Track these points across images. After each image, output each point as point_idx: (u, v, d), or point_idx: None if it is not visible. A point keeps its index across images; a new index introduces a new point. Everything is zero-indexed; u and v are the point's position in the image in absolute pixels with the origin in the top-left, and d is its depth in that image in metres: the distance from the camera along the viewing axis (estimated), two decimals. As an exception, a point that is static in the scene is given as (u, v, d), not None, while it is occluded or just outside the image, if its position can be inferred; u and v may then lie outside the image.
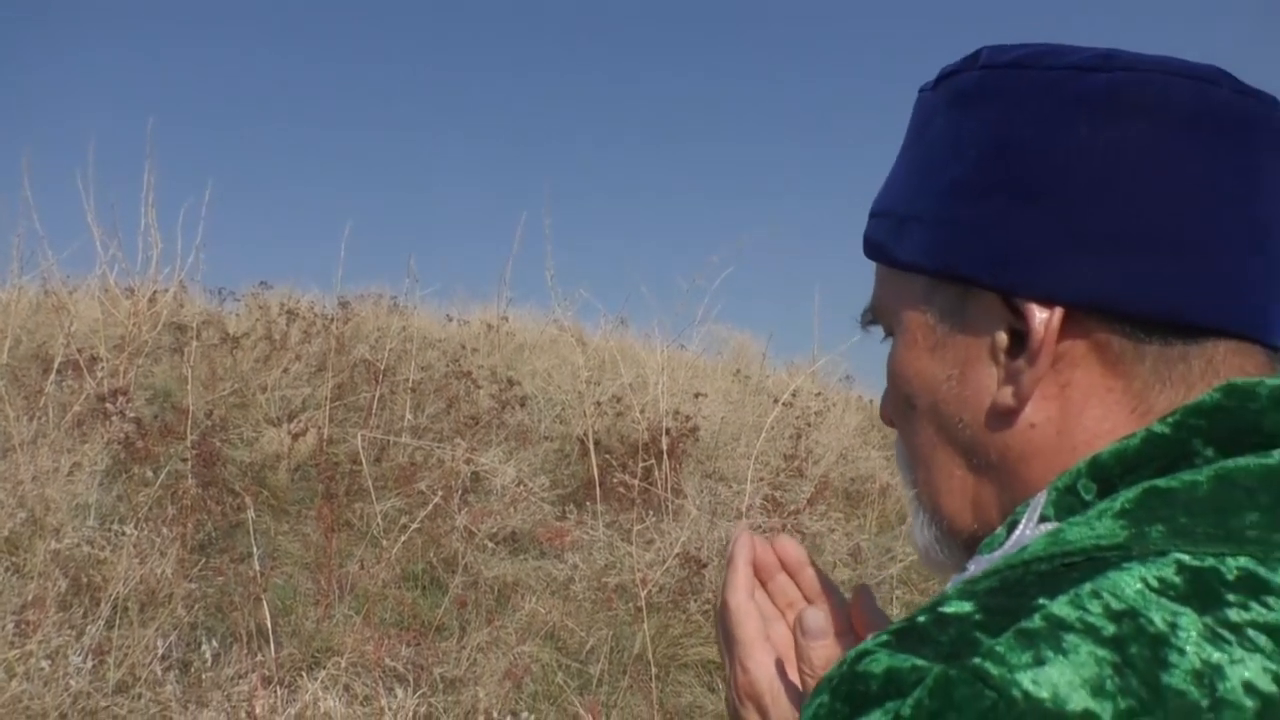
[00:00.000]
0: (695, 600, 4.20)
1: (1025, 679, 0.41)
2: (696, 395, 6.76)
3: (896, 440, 0.71)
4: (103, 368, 5.74)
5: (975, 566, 0.56)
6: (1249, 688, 0.42)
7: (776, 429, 6.16)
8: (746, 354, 10.83)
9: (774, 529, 4.78)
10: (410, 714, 2.98)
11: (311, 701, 3.03)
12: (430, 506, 4.32)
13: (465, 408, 6.32)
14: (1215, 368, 0.56)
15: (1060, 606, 0.44)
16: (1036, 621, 0.44)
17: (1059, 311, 0.56)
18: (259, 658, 3.20)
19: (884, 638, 0.47)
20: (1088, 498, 0.54)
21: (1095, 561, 0.48)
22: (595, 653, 3.77)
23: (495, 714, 3.21)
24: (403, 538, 4.00)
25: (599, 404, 6.17)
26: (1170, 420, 0.54)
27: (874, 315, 0.70)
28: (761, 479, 5.25)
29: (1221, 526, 0.48)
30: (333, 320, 7.60)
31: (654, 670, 3.48)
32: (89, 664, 2.89)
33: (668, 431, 5.43)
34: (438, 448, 5.45)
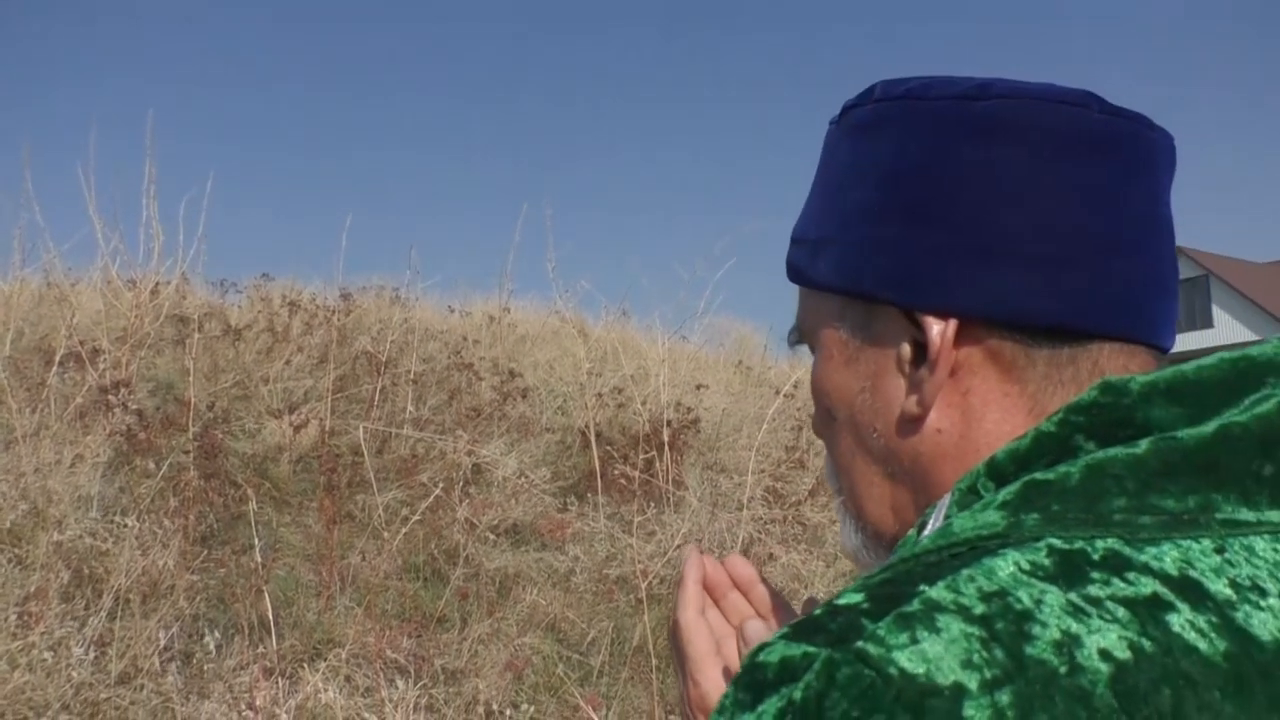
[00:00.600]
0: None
1: (901, 657, 0.44)
2: (698, 387, 6.76)
3: (825, 451, 0.75)
4: (105, 360, 5.75)
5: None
6: (1104, 654, 0.45)
7: (778, 420, 6.16)
8: (748, 345, 10.84)
9: (775, 521, 4.79)
10: (411, 706, 2.99)
11: (313, 693, 3.04)
12: (431, 499, 4.32)
13: (467, 399, 6.32)
14: (1101, 368, 0.61)
15: (937, 591, 0.48)
16: (915, 605, 0.47)
17: (953, 323, 0.61)
18: (260, 649, 3.21)
19: (784, 631, 0.50)
20: (986, 495, 0.57)
21: (977, 550, 0.51)
22: (596, 644, 3.78)
23: (496, 706, 3.22)
24: (404, 530, 4.00)
25: (600, 395, 6.17)
26: (1055, 419, 0.57)
27: (799, 335, 0.75)
28: (763, 470, 5.25)
29: (1091, 511, 0.52)
30: (334, 312, 7.61)
31: (654, 662, 3.49)
32: (91, 655, 2.90)
33: (669, 423, 5.43)
34: (439, 440, 5.45)
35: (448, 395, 6.38)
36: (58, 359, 5.46)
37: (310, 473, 5.18)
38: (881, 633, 0.46)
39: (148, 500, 4.05)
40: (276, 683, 3.06)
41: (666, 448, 5.28)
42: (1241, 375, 0.57)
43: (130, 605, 3.33)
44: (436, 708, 3.19)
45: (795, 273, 0.73)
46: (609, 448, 5.33)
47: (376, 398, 6.04)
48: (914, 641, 0.45)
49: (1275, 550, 0.52)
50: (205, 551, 3.93)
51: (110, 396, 5.06)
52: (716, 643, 0.79)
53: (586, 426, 5.39)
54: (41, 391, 5.14)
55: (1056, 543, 0.50)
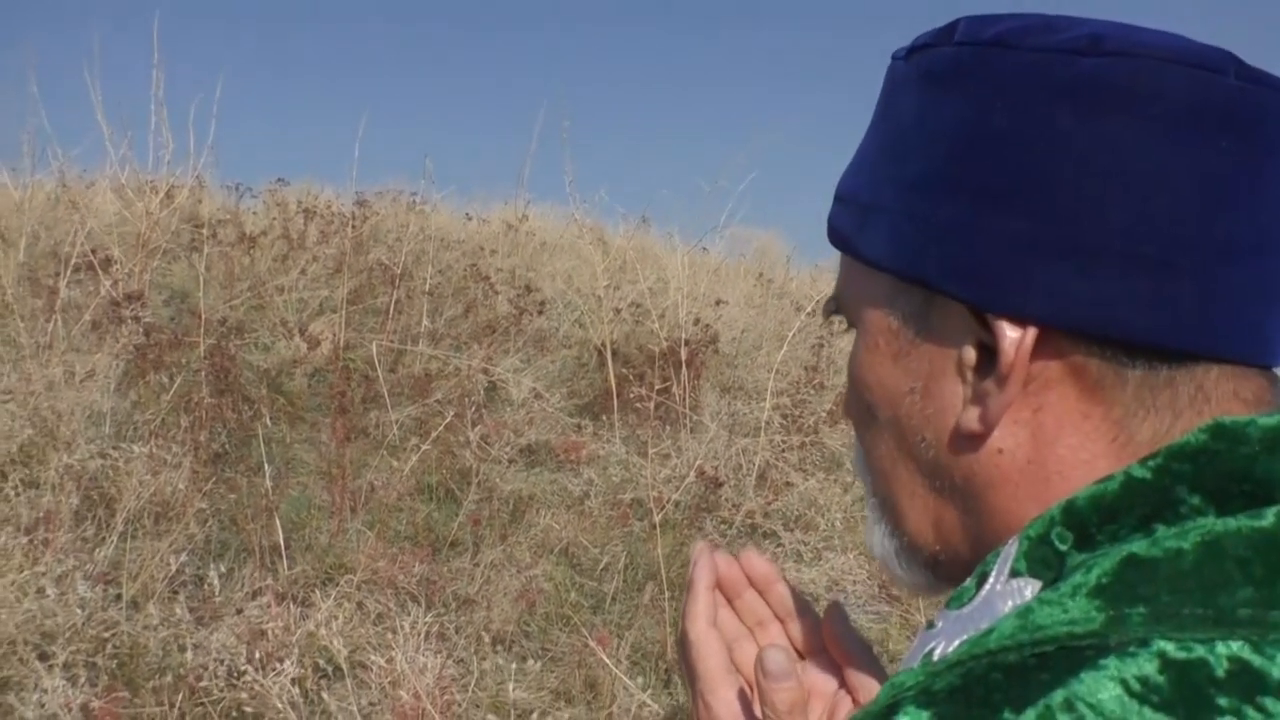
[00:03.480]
0: (711, 518, 4.18)
1: None
2: (717, 302, 6.65)
3: (854, 443, 0.65)
4: (117, 269, 5.68)
5: (943, 624, 0.51)
6: None
7: (798, 338, 6.05)
8: (770, 255, 10.66)
9: (792, 447, 4.73)
10: (423, 635, 2.98)
11: (325, 620, 3.04)
12: (446, 421, 4.28)
13: (483, 313, 6.25)
14: (1206, 393, 0.50)
15: None
16: None
17: (1032, 331, 0.50)
18: (271, 578, 3.20)
19: None
20: (1063, 548, 0.48)
21: (1068, 654, 0.42)
22: (609, 570, 3.77)
23: (508, 635, 3.22)
24: (416, 455, 3.97)
25: (618, 310, 6.08)
26: (1151, 464, 0.48)
27: (836, 306, 0.64)
28: (781, 392, 5.17)
29: (1210, 605, 0.42)
30: (351, 219, 7.50)
31: (668, 591, 3.47)
32: (101, 583, 2.90)
33: (686, 342, 5.35)
34: (454, 357, 5.40)
35: (464, 308, 6.31)
36: (70, 267, 5.40)
37: (324, 387, 5.15)
38: None
39: (159, 419, 4.02)
40: (288, 609, 3.06)
41: (684, 367, 5.20)
42: None
43: (142, 528, 3.32)
44: (448, 636, 3.20)
45: (839, 238, 0.61)
46: (625, 368, 5.26)
47: (392, 310, 5.97)
48: None
49: None
50: (217, 472, 3.91)
51: (123, 309, 5.01)
52: (729, 653, 0.71)
53: (603, 344, 5.31)
54: (54, 302, 5.10)
55: (1169, 649, 0.41)
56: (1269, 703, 0.39)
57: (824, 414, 5.22)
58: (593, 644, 2.72)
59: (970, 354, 0.53)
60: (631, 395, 4.97)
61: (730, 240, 8.37)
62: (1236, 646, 0.41)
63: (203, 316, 4.77)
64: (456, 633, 3.21)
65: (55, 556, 2.83)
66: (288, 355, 5.34)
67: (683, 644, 0.73)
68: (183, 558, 3.13)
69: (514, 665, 2.95)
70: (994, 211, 0.51)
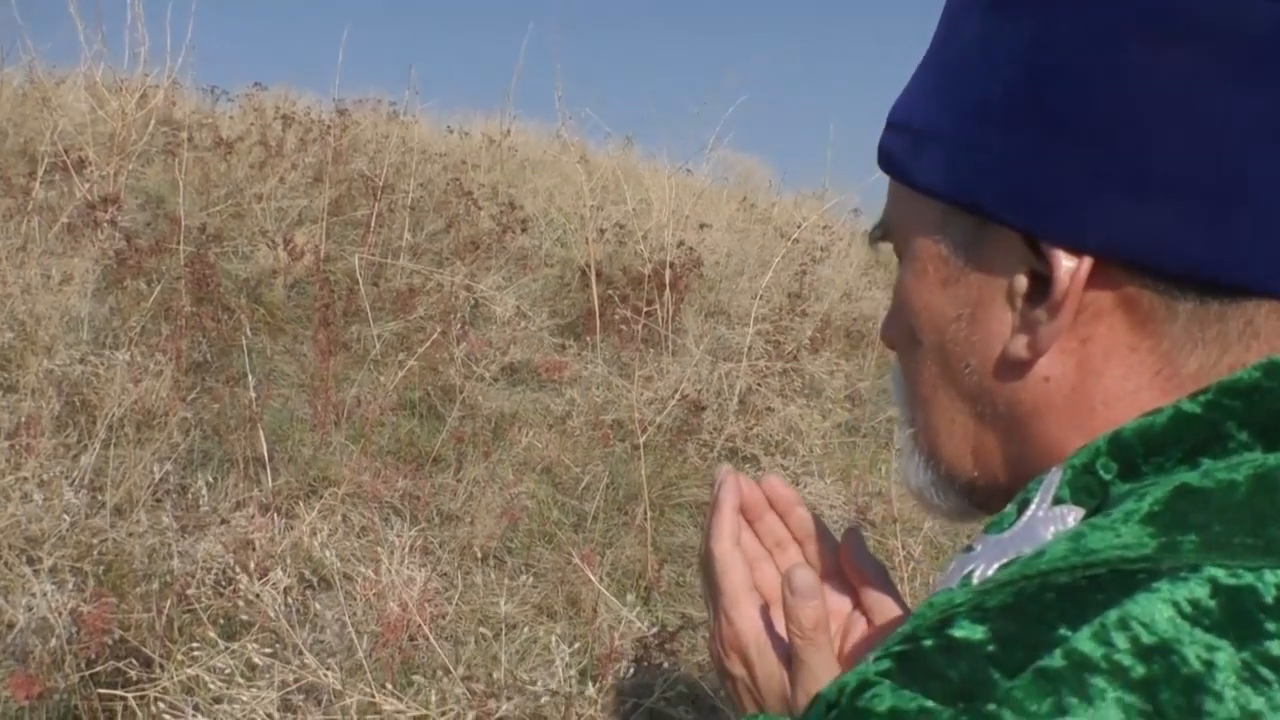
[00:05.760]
0: (692, 441, 4.22)
1: None
2: (701, 226, 6.62)
3: (894, 370, 0.66)
4: (92, 170, 5.55)
5: (982, 548, 0.52)
6: None
7: (782, 265, 6.05)
8: (754, 180, 10.59)
9: (774, 373, 4.76)
10: (407, 548, 3.01)
11: (310, 532, 3.06)
12: (430, 339, 4.26)
13: (465, 229, 6.18)
14: (1255, 329, 0.51)
15: (1084, 641, 0.40)
16: (1058, 659, 0.40)
17: (1088, 261, 0.51)
18: (256, 488, 3.21)
19: (887, 664, 0.43)
20: (1107, 477, 0.50)
21: (1121, 577, 0.43)
22: (591, 490, 3.80)
23: (491, 551, 3.25)
24: (400, 373, 3.96)
25: (602, 231, 6.03)
26: (1202, 399, 0.49)
27: (884, 232, 0.64)
28: (763, 318, 5.18)
29: (1261, 535, 0.44)
30: (330, 128, 7.35)
31: (649, 512, 3.51)
32: (85, 489, 2.89)
33: (670, 265, 5.33)
34: (437, 272, 5.35)
35: (445, 223, 6.24)
36: (42, 169, 5.27)
37: (305, 299, 5.10)
38: (1019, 695, 0.39)
39: (139, 327, 3.97)
40: (272, 520, 3.07)
41: (667, 290, 5.19)
42: None
43: (124, 435, 3.30)
44: (432, 550, 3.23)
45: (890, 164, 0.61)
46: (609, 289, 5.25)
47: (373, 223, 5.90)
48: (1060, 712, 0.38)
49: None
50: (199, 381, 3.89)
51: (99, 212, 4.91)
52: (751, 572, 0.74)
53: (586, 264, 5.28)
54: (27, 203, 4.98)
55: (1220, 575, 0.42)
56: None
57: (806, 340, 5.24)
58: (577, 560, 2.76)
59: (1022, 282, 0.53)
60: (614, 316, 4.96)
61: (716, 164, 8.30)
62: None
63: (181, 223, 4.68)
64: (440, 547, 3.24)
65: (39, 462, 2.81)
66: (267, 265, 5.27)
67: (706, 561, 0.75)
68: (167, 466, 3.12)
69: (500, 580, 2.99)
70: (1054, 140, 0.51)
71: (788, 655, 0.68)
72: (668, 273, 5.23)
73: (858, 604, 0.75)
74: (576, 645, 2.69)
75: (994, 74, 0.53)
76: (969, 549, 0.53)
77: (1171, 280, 0.50)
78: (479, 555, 3.24)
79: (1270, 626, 0.41)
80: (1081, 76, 0.50)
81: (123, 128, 5.94)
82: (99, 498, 2.88)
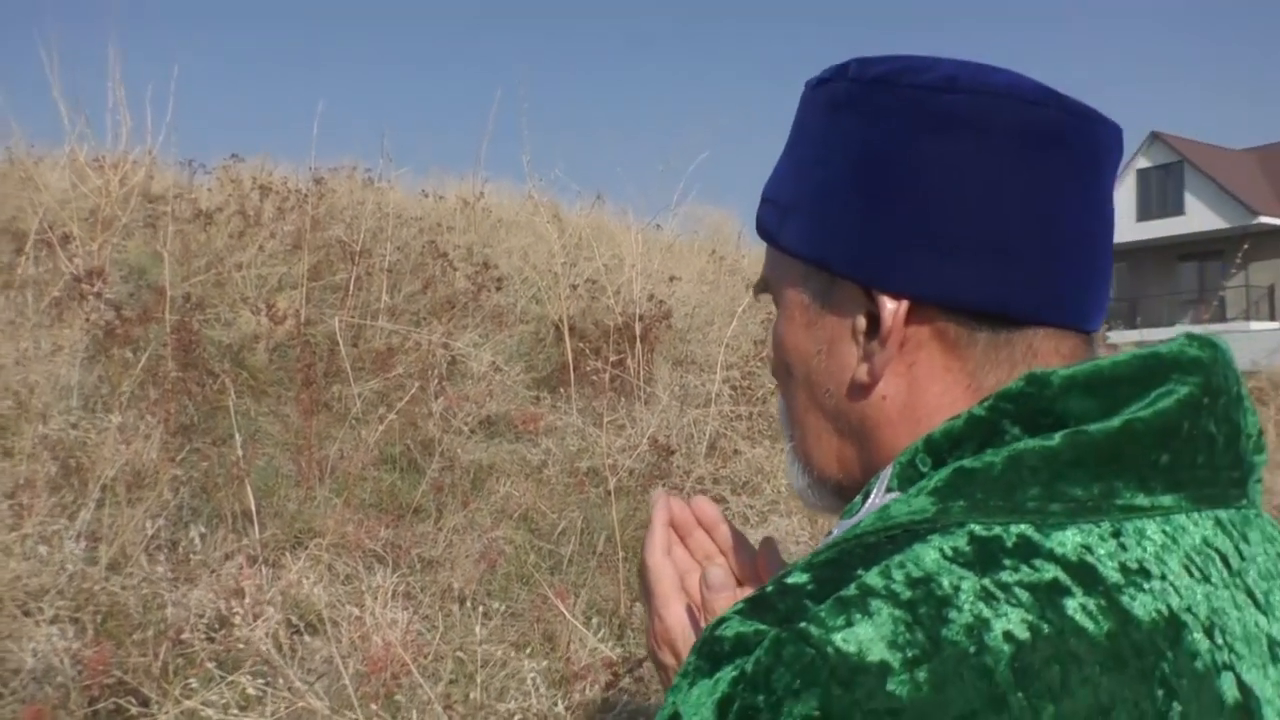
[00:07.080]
0: (663, 485, 4.39)
1: (837, 638, 0.51)
2: (671, 279, 6.84)
3: (778, 398, 0.83)
4: (76, 245, 5.73)
5: (838, 530, 0.67)
6: (1008, 636, 0.51)
7: (748, 314, 6.27)
8: (723, 232, 10.86)
9: (740, 417, 4.95)
10: (390, 593, 3.15)
11: (296, 580, 3.20)
12: (409, 395, 4.43)
13: (441, 289, 6.38)
14: (1034, 351, 0.67)
15: (872, 576, 0.54)
16: (852, 590, 0.54)
17: (905, 304, 0.66)
18: (244, 539, 3.35)
19: (740, 606, 0.58)
20: (924, 469, 0.64)
21: (909, 534, 0.58)
22: (566, 534, 3.96)
23: (470, 594, 3.40)
24: (381, 427, 4.12)
25: (575, 287, 6.24)
26: (985, 405, 0.63)
27: (764, 286, 0.81)
28: (731, 365, 5.39)
29: (1009, 499, 0.58)
30: (307, 196, 7.54)
31: (621, 553, 3.67)
32: (82, 545, 3.03)
33: (641, 318, 5.53)
34: (414, 331, 5.54)
35: (422, 284, 6.43)
36: (29, 244, 5.44)
37: (287, 361, 5.26)
38: (822, 614, 0.53)
39: (128, 392, 4.13)
40: (260, 570, 3.21)
41: (638, 341, 5.39)
42: (1150, 371, 0.63)
43: (117, 496, 3.45)
44: (414, 595, 3.37)
45: (765, 232, 0.78)
46: (582, 342, 5.44)
47: (351, 286, 6.08)
48: (849, 624, 0.52)
49: (1164, 533, 0.60)
50: (187, 442, 4.03)
51: (85, 286, 5.08)
52: (681, 579, 0.87)
53: (560, 320, 5.48)
54: (14, 279, 5.15)
55: (977, 529, 0.57)
56: (1038, 563, 0.56)
57: (771, 386, 5.44)
58: (552, 598, 2.91)
59: (861, 322, 0.69)
60: (588, 369, 5.15)
61: (684, 218, 8.56)
62: (1024, 528, 0.57)
63: (166, 292, 4.85)
64: (422, 591, 3.38)
65: (37, 520, 2.95)
66: (249, 330, 5.44)
67: (642, 570, 0.90)
68: (158, 522, 3.26)
69: (478, 619, 3.13)
70: (874, 213, 0.67)
71: None
72: (638, 325, 5.44)
73: None
74: (553, 675, 2.83)
75: (832, 160, 0.70)
76: (830, 534, 0.69)
77: (969, 315, 0.66)
78: (459, 598, 3.38)
79: (1007, 563, 0.55)
80: (892, 164, 0.66)
81: (106, 203, 6.13)
82: (95, 553, 3.02)
